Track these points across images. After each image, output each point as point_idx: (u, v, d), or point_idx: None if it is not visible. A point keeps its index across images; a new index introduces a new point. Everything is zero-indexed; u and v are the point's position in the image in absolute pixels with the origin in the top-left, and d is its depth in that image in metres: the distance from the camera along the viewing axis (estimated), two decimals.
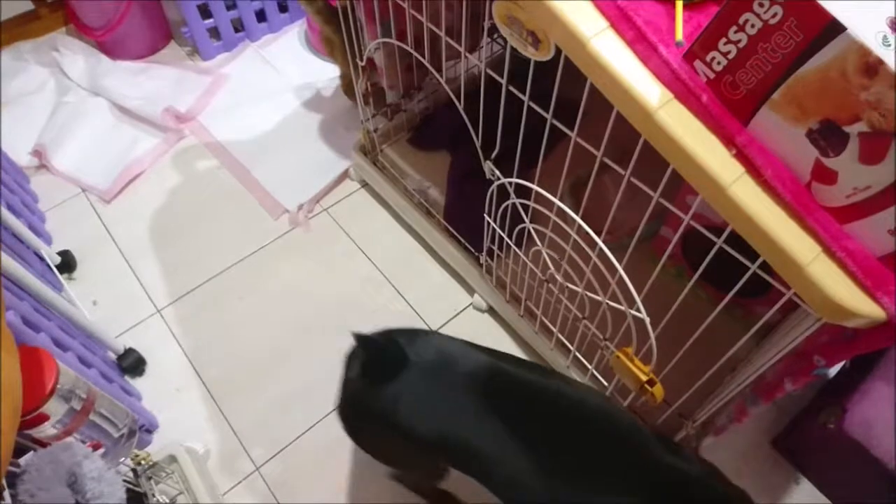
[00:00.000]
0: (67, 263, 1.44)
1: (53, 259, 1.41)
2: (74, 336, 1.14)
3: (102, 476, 0.62)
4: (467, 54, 0.92)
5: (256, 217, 1.56)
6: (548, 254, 0.96)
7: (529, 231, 0.98)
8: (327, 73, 1.81)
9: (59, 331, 1.07)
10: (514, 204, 0.98)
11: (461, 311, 1.40)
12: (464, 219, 1.38)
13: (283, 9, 1.93)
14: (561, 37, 0.65)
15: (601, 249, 0.83)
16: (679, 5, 0.64)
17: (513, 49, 0.78)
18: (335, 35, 1.50)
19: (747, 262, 0.66)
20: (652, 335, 0.82)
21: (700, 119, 0.60)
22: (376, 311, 1.40)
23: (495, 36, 1.55)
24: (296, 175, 1.62)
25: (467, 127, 1.02)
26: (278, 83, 1.83)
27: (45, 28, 2.00)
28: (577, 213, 0.85)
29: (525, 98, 0.82)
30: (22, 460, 0.60)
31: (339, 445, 1.22)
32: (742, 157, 0.58)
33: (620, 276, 0.83)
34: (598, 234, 0.83)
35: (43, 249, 1.39)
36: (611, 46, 0.63)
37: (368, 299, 1.42)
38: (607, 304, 0.88)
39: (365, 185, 1.63)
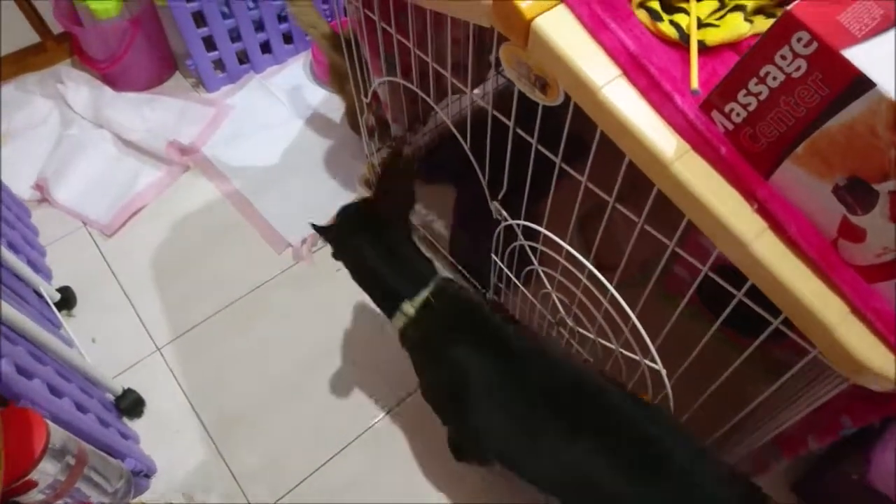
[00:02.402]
0: (67, 300, 1.42)
1: (52, 296, 1.39)
2: (71, 379, 1.11)
3: None
4: (472, 92, 0.90)
5: (260, 251, 1.53)
6: (557, 297, 0.93)
7: (538, 273, 0.96)
8: (332, 104, 1.80)
9: (56, 375, 1.04)
10: (521, 245, 0.95)
11: None
12: (469, 254, 1.36)
13: (287, 40, 1.93)
14: (570, 84, 0.63)
15: (613, 294, 0.80)
16: (694, 53, 0.61)
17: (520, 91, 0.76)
18: (342, 62, 1.49)
19: (770, 318, 0.63)
20: (668, 386, 0.79)
21: (718, 171, 0.57)
22: (383, 346, 1.37)
23: (501, 69, 1.54)
24: (300, 207, 1.60)
25: (467, 158, 1.00)
26: (283, 114, 1.82)
27: (50, 60, 2.01)
28: (585, 248, 0.82)
29: (533, 141, 0.80)
30: None
31: (345, 491, 1.18)
32: (764, 211, 0.56)
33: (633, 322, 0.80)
34: (608, 268, 0.80)
35: (42, 286, 1.37)
36: (623, 95, 0.60)
37: (374, 334, 1.39)
38: (620, 352, 0.85)
39: None
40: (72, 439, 0.72)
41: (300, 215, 1.58)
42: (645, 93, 0.60)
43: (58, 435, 0.69)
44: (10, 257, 1.28)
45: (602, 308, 0.84)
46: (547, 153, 0.79)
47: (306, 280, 1.49)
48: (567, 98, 0.68)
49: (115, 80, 1.88)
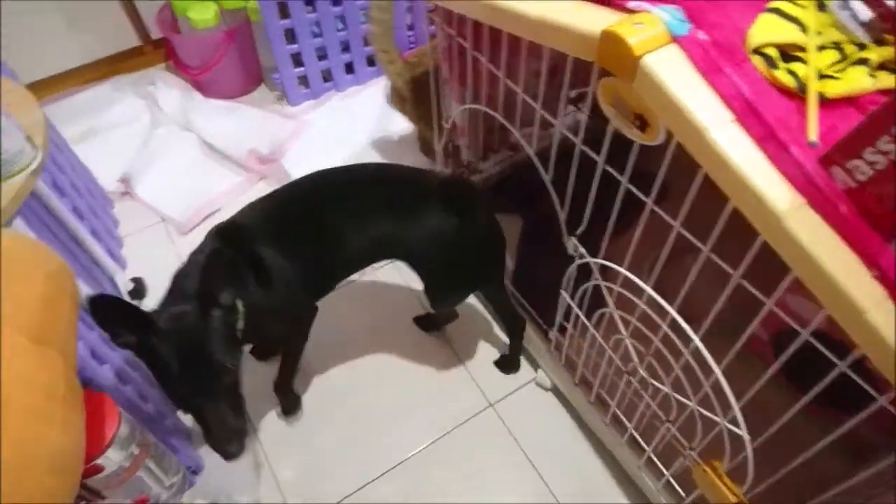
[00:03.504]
0: (138, 291, 1.47)
1: (126, 285, 1.44)
2: (136, 368, 1.14)
3: None
4: (559, 124, 0.89)
5: None
6: (632, 344, 0.89)
7: (612, 316, 0.92)
8: (407, 127, 1.83)
9: (123, 362, 1.07)
10: (596, 285, 0.92)
11: (522, 386, 1.33)
12: (533, 288, 1.33)
13: (371, 62, 1.98)
14: (677, 124, 0.61)
15: (695, 345, 0.76)
16: (814, 103, 0.59)
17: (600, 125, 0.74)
18: (408, 91, 1.52)
19: (875, 394, 0.58)
20: (750, 455, 0.73)
21: (836, 231, 0.54)
22: (429, 372, 1.35)
23: (579, 105, 1.53)
24: None
25: (543, 192, 0.98)
26: (359, 134, 1.86)
27: (146, 63, 2.13)
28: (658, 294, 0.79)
29: (623, 180, 0.78)
30: None
31: None
32: (885, 280, 0.52)
33: (715, 379, 0.76)
34: (685, 321, 0.77)
35: (117, 275, 1.42)
36: (735, 140, 0.58)
37: (420, 356, 1.38)
38: (698, 410, 0.80)
39: None
40: (138, 429, 0.73)
41: None
42: (759, 140, 0.58)
43: (126, 423, 0.70)
44: (92, 244, 1.34)
45: (681, 360, 0.80)
46: (638, 193, 0.76)
47: (359, 293, 1.49)
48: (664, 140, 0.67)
49: (204, 86, 1.97)
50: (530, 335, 1.29)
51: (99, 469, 0.64)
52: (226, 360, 0.81)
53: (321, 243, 1.01)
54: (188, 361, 0.78)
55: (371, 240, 1.03)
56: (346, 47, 1.91)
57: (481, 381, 1.34)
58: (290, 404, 1.27)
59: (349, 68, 1.97)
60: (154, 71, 2.09)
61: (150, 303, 1.47)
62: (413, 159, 1.78)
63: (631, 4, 0.66)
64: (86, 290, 1.06)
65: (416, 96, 1.53)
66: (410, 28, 1.98)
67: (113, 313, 0.74)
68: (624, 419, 1.06)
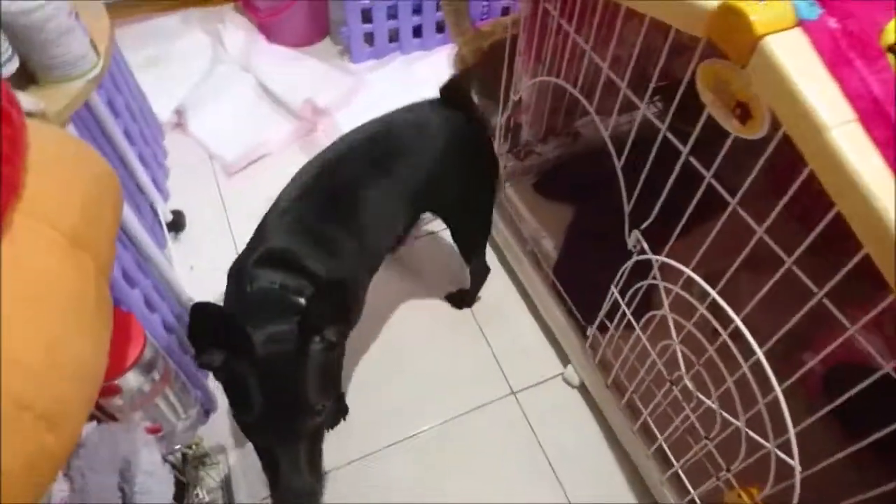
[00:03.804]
0: (177, 223, 1.46)
1: (166, 216, 1.43)
2: (164, 298, 1.13)
3: (155, 471, 0.57)
4: (644, 107, 0.83)
5: None
6: (682, 352, 0.83)
7: (661, 320, 0.87)
8: None
9: (153, 290, 1.06)
10: (652, 286, 0.86)
11: (548, 379, 1.28)
12: (576, 281, 1.28)
13: (440, 29, 1.93)
14: (791, 117, 0.55)
15: (755, 360, 0.71)
16: None
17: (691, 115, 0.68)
18: (472, 60, 1.46)
19: None
20: (797, 486, 0.68)
21: None
22: (454, 347, 1.31)
23: (655, 99, 1.45)
24: None
25: (598, 183, 0.93)
26: (417, 99, 1.80)
27: (216, 0, 2.11)
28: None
29: (708, 175, 0.72)
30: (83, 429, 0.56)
31: (384, 488, 1.13)
32: None
33: (768, 402, 0.70)
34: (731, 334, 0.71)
35: (159, 204, 1.41)
36: (855, 142, 0.52)
37: (448, 333, 1.34)
38: (746, 432, 0.74)
39: None
40: (160, 355, 0.70)
41: None
42: (881, 145, 0.51)
43: (150, 348, 0.68)
44: (138, 169, 1.32)
45: (736, 374, 0.74)
46: (723, 192, 0.70)
47: (398, 259, 1.46)
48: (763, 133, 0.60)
49: (270, 31, 1.94)
50: (564, 329, 1.24)
51: (116, 390, 0.62)
52: (318, 400, 0.70)
53: (363, 225, 0.93)
54: (277, 394, 0.68)
55: (402, 191, 0.97)
56: (417, 9, 1.86)
57: (507, 367, 1.30)
58: None
59: (417, 32, 1.92)
60: (224, 9, 2.07)
61: (185, 237, 1.47)
62: None
63: None
64: (127, 215, 1.05)
65: (480, 67, 1.47)
66: None
67: (210, 325, 0.66)
68: (655, 429, 1.00)
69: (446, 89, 1.07)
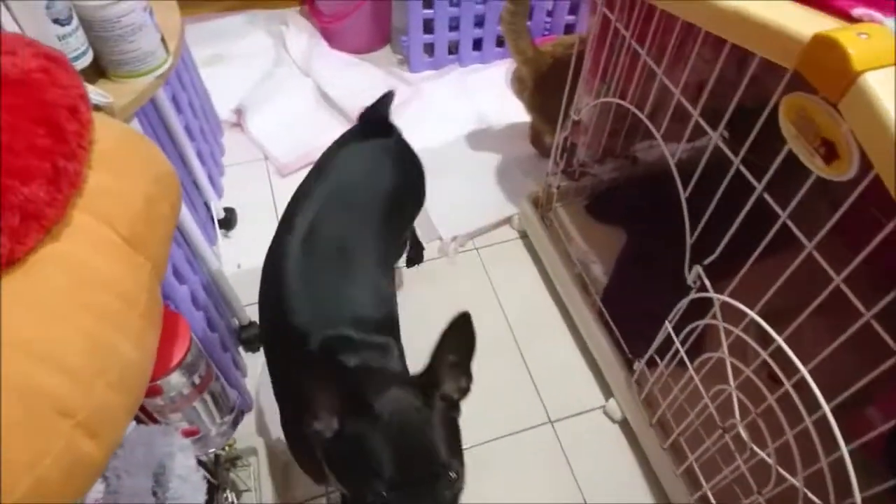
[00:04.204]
0: (228, 221, 1.48)
1: (218, 213, 1.45)
2: (210, 295, 1.13)
3: (189, 477, 0.56)
4: (718, 136, 0.79)
5: None
6: (738, 398, 0.78)
7: (717, 362, 0.82)
8: (520, 115, 1.75)
9: (200, 287, 1.07)
10: (712, 326, 0.82)
11: (588, 411, 1.23)
12: (625, 311, 1.23)
13: (500, 43, 1.91)
14: (889, 166, 0.50)
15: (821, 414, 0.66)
16: None
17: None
18: (531, 78, 1.44)
19: None
20: None
21: None
22: (491, 369, 1.28)
23: (722, 133, 1.40)
24: (459, 206, 1.56)
25: (655, 210, 0.89)
26: (472, 112, 1.80)
27: (282, 3, 2.15)
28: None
29: (783, 214, 0.67)
30: None
31: None
32: None
33: (832, 460, 0.65)
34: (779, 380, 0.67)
35: (212, 201, 1.43)
36: None
37: (487, 355, 1.31)
38: (805, 493, 0.69)
39: (524, 236, 1.54)
40: (204, 358, 0.70)
41: (458, 213, 1.55)
42: None
43: (195, 348, 0.68)
44: (196, 165, 1.35)
45: (797, 429, 0.69)
46: (798, 234, 0.66)
47: (442, 277, 1.45)
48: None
49: (332, 36, 1.97)
50: (609, 360, 1.20)
51: (158, 391, 0.62)
52: (452, 461, 0.62)
53: (368, 265, 0.89)
54: (409, 458, 0.60)
55: (380, 221, 0.94)
56: (479, 22, 1.85)
57: (546, 395, 1.26)
58: None
59: (477, 45, 1.91)
60: (288, 12, 2.11)
61: (235, 235, 1.48)
62: (520, 149, 1.70)
63: (856, 12, 0.56)
64: (182, 211, 1.06)
65: (538, 85, 1.45)
66: (549, 14, 1.89)
67: (329, 390, 0.60)
68: (700, 476, 0.95)
69: (369, 115, 1.09)
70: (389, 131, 1.07)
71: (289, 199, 0.98)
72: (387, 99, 1.10)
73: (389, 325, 0.87)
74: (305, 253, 0.84)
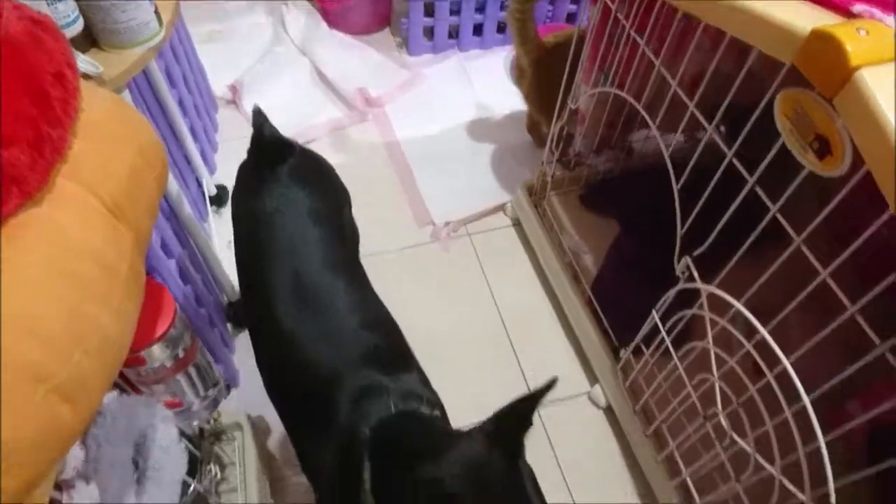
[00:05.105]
0: (220, 198, 1.47)
1: (210, 190, 1.44)
2: (199, 270, 1.13)
3: (171, 448, 0.56)
4: (712, 129, 0.79)
5: (402, 219, 1.51)
6: (721, 387, 0.79)
7: (701, 352, 0.83)
8: (518, 103, 1.75)
9: (188, 261, 1.06)
10: (699, 318, 0.82)
11: (573, 397, 1.24)
12: (614, 300, 1.24)
13: (500, 29, 1.90)
14: (882, 164, 0.50)
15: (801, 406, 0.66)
16: None
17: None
18: (530, 67, 1.43)
19: None
20: None
21: None
22: (480, 356, 1.29)
23: (718, 126, 1.40)
24: (454, 192, 1.56)
25: (647, 201, 0.89)
26: (470, 98, 1.79)
27: None
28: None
29: (773, 208, 0.67)
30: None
31: None
32: None
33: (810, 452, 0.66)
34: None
35: (205, 177, 1.42)
36: None
37: (477, 341, 1.32)
38: (781, 480, 0.70)
39: (517, 224, 1.54)
40: (189, 331, 0.70)
41: (452, 198, 1.54)
42: None
43: (180, 322, 0.68)
44: (188, 141, 1.33)
45: (777, 419, 0.70)
46: (788, 229, 0.66)
47: (434, 263, 1.44)
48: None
49: (332, 17, 1.95)
50: (596, 347, 1.20)
51: (141, 361, 0.62)
52: None
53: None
54: None
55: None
56: (480, 8, 1.84)
57: (532, 380, 1.26)
58: None
59: (477, 30, 1.90)
60: None
61: (226, 213, 1.48)
62: (517, 137, 1.70)
63: (857, 8, 0.55)
64: (172, 185, 1.05)
65: (537, 73, 1.44)
66: (551, 2, 1.88)
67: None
68: (680, 463, 0.96)
69: (258, 142, 0.98)
70: (289, 149, 0.95)
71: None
72: (261, 116, 0.97)
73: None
74: (301, 309, 0.74)
